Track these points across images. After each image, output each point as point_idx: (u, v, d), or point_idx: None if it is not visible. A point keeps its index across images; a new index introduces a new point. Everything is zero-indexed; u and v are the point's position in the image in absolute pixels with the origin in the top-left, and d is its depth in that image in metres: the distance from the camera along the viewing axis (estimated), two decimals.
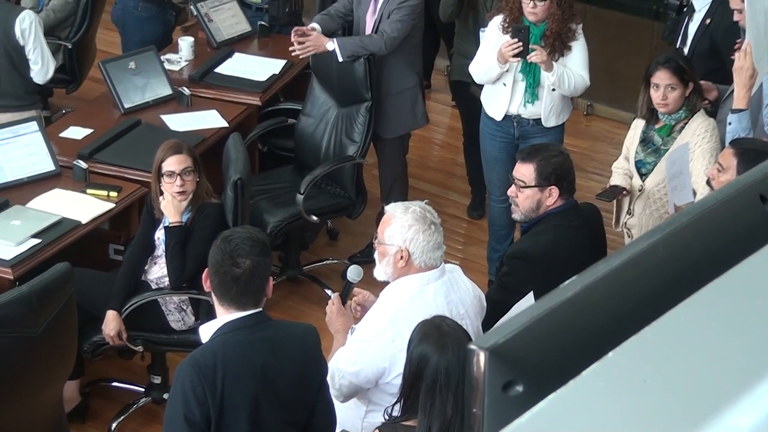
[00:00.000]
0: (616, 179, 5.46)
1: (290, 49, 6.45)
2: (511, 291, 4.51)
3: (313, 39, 6.36)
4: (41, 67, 6.35)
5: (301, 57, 6.51)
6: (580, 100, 8.01)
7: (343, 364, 4.02)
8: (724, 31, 5.75)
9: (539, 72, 5.84)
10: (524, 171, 4.73)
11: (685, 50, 5.90)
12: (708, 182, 4.77)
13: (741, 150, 4.58)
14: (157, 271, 5.24)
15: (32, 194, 5.54)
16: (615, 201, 5.49)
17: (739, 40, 5.31)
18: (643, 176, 5.41)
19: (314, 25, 6.46)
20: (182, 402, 3.50)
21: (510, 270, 4.67)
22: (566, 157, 4.82)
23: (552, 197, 4.69)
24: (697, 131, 5.24)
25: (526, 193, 4.71)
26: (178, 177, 5.05)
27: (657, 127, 5.35)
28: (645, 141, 5.41)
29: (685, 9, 6.21)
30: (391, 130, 6.58)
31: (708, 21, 5.88)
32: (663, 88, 5.21)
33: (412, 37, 6.45)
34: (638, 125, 5.45)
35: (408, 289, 4.06)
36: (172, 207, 5.09)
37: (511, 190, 4.80)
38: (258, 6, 7.38)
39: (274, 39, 7.30)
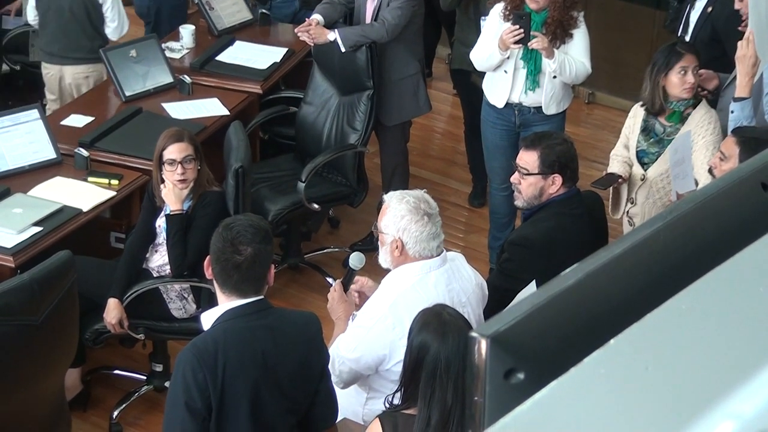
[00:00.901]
0: (615, 167, 5.45)
1: (296, 30, 6.48)
2: (511, 277, 4.52)
3: (315, 31, 6.37)
4: (117, 25, 6.79)
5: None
6: (581, 88, 8.01)
7: (344, 351, 4.03)
8: (725, 20, 5.74)
9: (540, 59, 5.83)
10: (528, 158, 4.73)
11: (687, 38, 5.89)
12: (710, 171, 4.77)
13: (743, 138, 4.58)
14: (159, 259, 5.24)
15: (33, 182, 5.53)
16: (611, 189, 5.48)
17: (744, 18, 5.30)
18: (644, 165, 5.40)
19: (317, 17, 6.46)
20: (183, 389, 3.50)
21: (511, 256, 4.68)
22: (570, 145, 4.81)
23: (555, 185, 4.69)
24: (701, 122, 5.23)
25: (529, 180, 4.71)
26: (179, 165, 5.05)
27: (666, 116, 5.32)
28: (646, 130, 5.40)
29: None
30: (394, 117, 6.59)
31: (709, 9, 5.87)
32: (691, 71, 5.20)
33: (413, 24, 6.45)
34: (638, 114, 5.43)
35: (409, 276, 4.07)
36: (173, 195, 5.09)
37: (514, 177, 4.80)
38: None
39: (276, 27, 7.30)
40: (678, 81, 5.20)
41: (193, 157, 5.08)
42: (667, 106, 5.29)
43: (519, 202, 4.84)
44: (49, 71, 6.86)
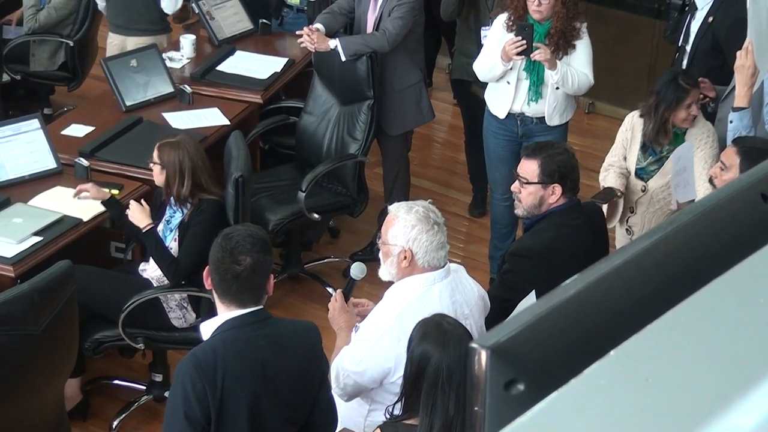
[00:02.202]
0: (611, 179, 5.45)
1: (298, 33, 6.47)
2: (512, 288, 4.51)
3: (316, 38, 6.37)
4: None
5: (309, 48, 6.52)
6: (581, 98, 8.00)
7: (348, 364, 4.01)
8: (726, 29, 5.74)
9: (543, 70, 5.83)
10: (528, 168, 4.73)
11: (687, 48, 5.90)
12: (710, 180, 4.77)
13: (744, 148, 4.59)
14: (158, 269, 5.24)
15: (34, 192, 5.54)
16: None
17: None
18: (644, 179, 5.41)
19: (318, 26, 6.47)
20: (182, 399, 3.50)
21: (512, 267, 4.67)
22: (571, 155, 4.81)
23: (555, 195, 4.68)
24: (698, 136, 5.26)
25: (529, 189, 4.71)
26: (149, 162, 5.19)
27: (668, 140, 5.34)
28: (644, 147, 5.42)
29: (687, 7, 6.20)
30: (398, 126, 6.59)
31: (710, 19, 5.87)
32: (695, 104, 5.25)
33: (414, 33, 6.46)
34: (636, 127, 5.43)
35: (414, 288, 4.05)
36: (137, 214, 5.12)
37: (515, 186, 4.80)
38: (299, 8, 7.39)
39: (276, 37, 7.30)
40: (685, 115, 5.26)
41: (155, 163, 5.14)
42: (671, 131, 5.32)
43: (519, 211, 4.84)
44: (113, 41, 7.18)
